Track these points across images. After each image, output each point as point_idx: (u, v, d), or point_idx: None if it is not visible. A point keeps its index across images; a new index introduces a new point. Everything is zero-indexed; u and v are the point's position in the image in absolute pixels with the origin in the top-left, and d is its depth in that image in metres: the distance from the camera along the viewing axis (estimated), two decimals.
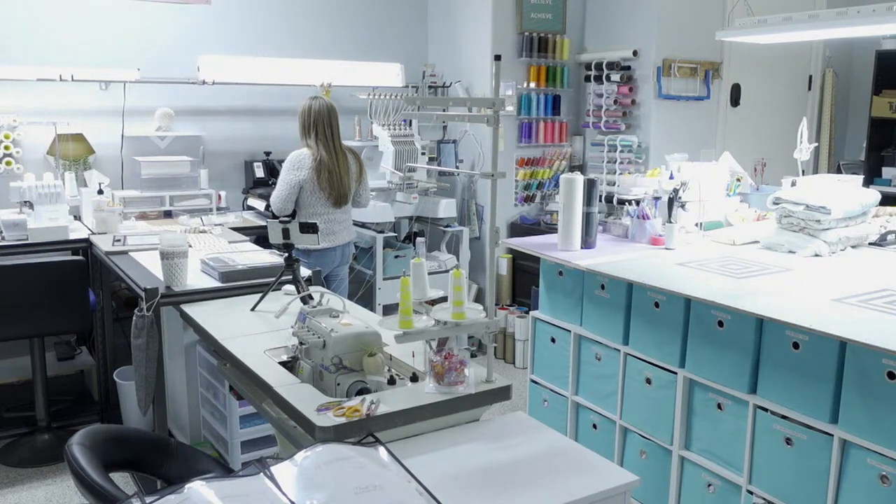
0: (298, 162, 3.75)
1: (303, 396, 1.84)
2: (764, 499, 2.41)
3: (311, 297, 2.43)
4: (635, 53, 4.92)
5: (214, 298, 2.75)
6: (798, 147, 3.56)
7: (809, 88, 5.81)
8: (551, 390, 3.27)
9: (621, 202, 4.06)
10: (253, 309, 2.60)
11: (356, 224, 4.42)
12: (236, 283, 2.82)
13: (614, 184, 4.65)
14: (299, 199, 3.78)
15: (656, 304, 2.74)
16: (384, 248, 4.47)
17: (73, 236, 3.73)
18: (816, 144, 5.10)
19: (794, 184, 3.49)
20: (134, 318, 2.68)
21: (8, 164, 4.16)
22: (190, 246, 2.99)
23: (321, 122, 3.77)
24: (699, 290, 2.52)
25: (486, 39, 5.02)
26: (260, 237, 3.91)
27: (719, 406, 2.55)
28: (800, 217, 3.04)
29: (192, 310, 2.64)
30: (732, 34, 3.78)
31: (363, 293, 4.48)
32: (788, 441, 2.32)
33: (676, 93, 4.98)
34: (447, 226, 4.73)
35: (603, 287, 2.96)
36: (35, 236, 3.61)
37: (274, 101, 4.80)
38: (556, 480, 1.59)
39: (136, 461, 1.96)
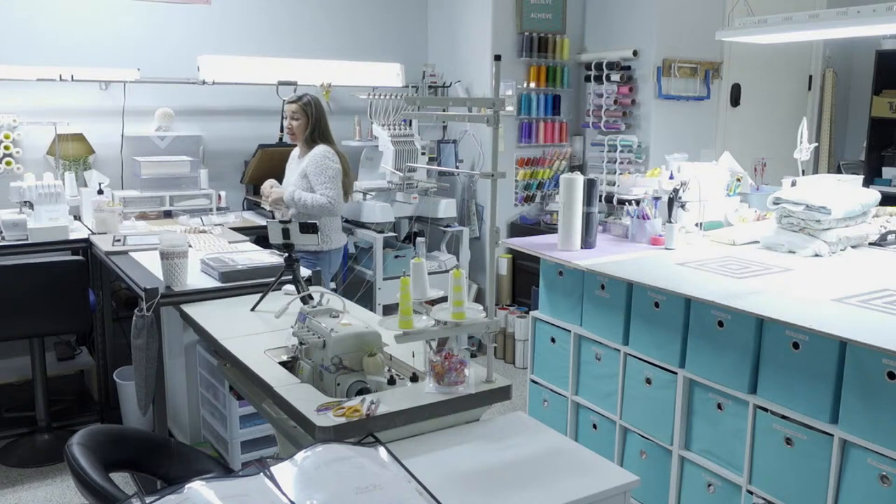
0: (331, 155, 3.67)
1: (303, 396, 1.84)
2: (764, 499, 2.41)
3: (311, 297, 2.43)
4: (635, 53, 4.92)
5: (214, 298, 2.75)
6: (798, 147, 3.56)
7: (809, 88, 5.81)
8: (551, 390, 3.27)
9: (621, 202, 4.06)
10: (253, 309, 2.60)
11: (357, 224, 4.42)
12: (236, 283, 2.82)
13: (614, 184, 4.65)
14: None
15: (656, 304, 2.74)
16: (384, 248, 4.46)
17: (73, 236, 3.73)
18: (816, 144, 5.10)
19: (794, 184, 3.49)
20: (134, 318, 2.68)
21: (8, 164, 4.16)
22: (190, 246, 2.99)
23: (325, 118, 3.76)
24: (699, 290, 2.52)
25: (486, 39, 5.02)
26: (260, 237, 3.90)
27: (719, 406, 2.55)
28: (800, 217, 3.04)
29: (192, 310, 2.64)
30: (732, 34, 3.78)
31: (363, 293, 4.48)
32: (788, 441, 2.32)
33: (676, 93, 4.98)
34: (447, 226, 4.73)
35: (603, 287, 2.96)
36: (35, 236, 3.61)
37: (274, 101, 4.80)
38: (556, 480, 1.59)
39: (136, 461, 1.96)
